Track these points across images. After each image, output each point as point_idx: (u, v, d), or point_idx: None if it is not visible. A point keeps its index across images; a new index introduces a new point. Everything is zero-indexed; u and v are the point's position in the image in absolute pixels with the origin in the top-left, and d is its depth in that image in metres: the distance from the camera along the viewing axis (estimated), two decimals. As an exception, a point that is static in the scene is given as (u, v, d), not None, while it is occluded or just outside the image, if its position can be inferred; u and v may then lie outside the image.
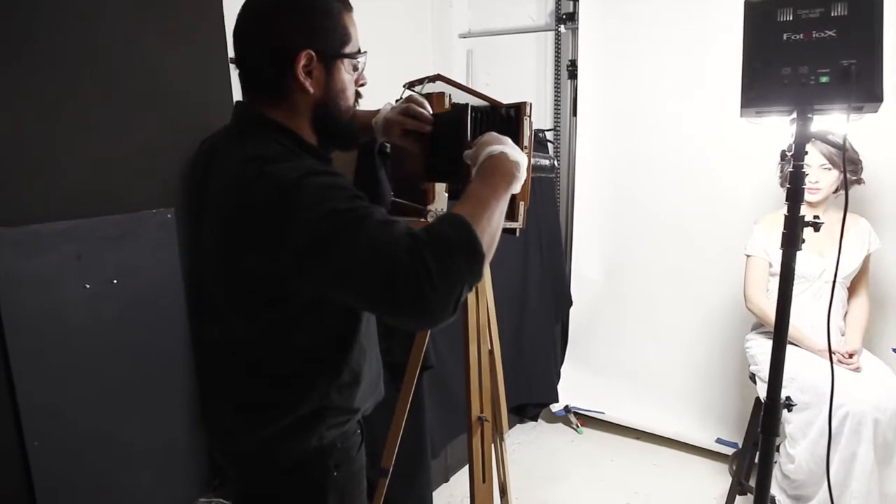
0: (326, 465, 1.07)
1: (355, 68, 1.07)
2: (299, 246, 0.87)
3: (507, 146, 1.05)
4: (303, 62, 0.98)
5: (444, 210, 1.19)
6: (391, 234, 0.84)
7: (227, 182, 0.99)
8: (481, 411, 1.28)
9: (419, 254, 0.81)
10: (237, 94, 1.22)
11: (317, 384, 1.04)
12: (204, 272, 1.10)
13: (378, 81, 1.59)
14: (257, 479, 1.10)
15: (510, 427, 3.19)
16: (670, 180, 2.90)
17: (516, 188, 1.02)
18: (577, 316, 3.29)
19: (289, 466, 1.06)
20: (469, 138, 1.08)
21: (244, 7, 1.03)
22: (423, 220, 1.19)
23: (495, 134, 1.08)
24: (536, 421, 3.28)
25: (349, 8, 1.05)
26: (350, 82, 1.07)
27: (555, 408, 3.22)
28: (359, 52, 1.06)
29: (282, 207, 0.88)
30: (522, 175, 1.04)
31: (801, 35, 1.27)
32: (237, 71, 1.06)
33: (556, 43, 3.28)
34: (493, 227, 0.93)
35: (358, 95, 1.11)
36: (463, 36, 3.56)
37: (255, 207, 0.92)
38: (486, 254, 0.89)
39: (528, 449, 3.01)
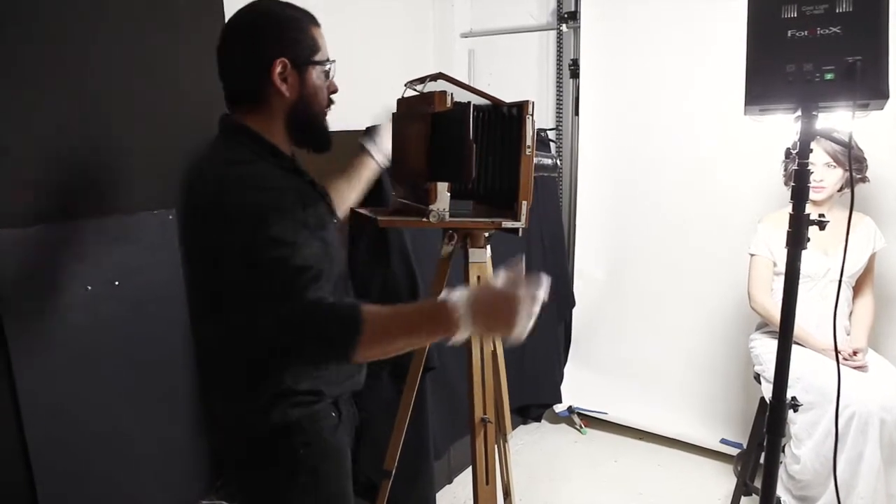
0: (291, 443, 1.15)
1: (327, 76, 1.19)
2: (228, 261, 1.03)
3: (471, 316, 0.99)
4: (278, 69, 1.11)
5: (447, 210, 1.18)
6: (294, 294, 0.98)
7: (192, 184, 1.12)
8: (484, 413, 1.27)
9: (297, 335, 0.99)
10: None
11: (269, 371, 1.13)
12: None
13: (380, 81, 1.58)
14: (235, 449, 1.20)
15: (513, 428, 3.18)
16: (673, 179, 2.89)
17: (434, 338, 1.07)
18: (580, 316, 3.28)
19: (262, 437, 1.15)
20: (471, 137, 1.07)
21: (224, 29, 1.16)
22: (424, 219, 1.17)
23: (478, 299, 1.01)
24: (540, 422, 3.26)
25: (317, 23, 1.18)
26: (322, 87, 1.18)
27: (558, 408, 3.21)
28: (327, 60, 1.19)
29: (223, 223, 1.02)
30: (452, 335, 1.01)
31: (806, 32, 1.26)
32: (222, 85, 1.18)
33: (557, 42, 3.27)
34: (388, 348, 1.02)
35: (330, 101, 1.22)
36: (465, 35, 3.55)
37: (204, 216, 1.06)
38: (363, 358, 1.01)
39: (531, 450, 3.00)
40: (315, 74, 1.16)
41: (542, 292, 1.01)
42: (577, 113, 3.19)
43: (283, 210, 1.02)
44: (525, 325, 1.00)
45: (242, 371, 1.14)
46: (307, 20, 1.16)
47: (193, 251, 1.14)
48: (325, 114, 1.21)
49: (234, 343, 1.12)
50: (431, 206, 1.17)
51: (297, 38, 1.13)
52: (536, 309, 1.01)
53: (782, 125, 1.38)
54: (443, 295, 1.03)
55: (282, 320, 0.99)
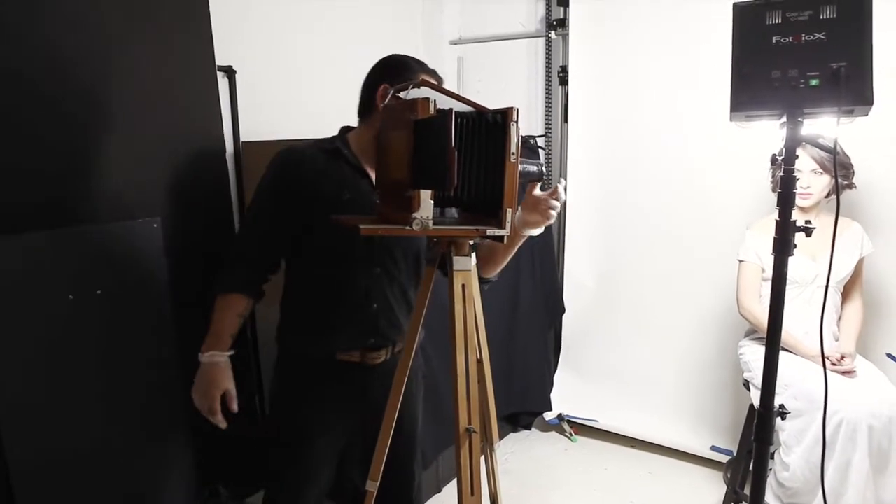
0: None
1: None
2: None
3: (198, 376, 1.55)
4: (381, 92, 1.49)
5: (430, 218, 1.16)
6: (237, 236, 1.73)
7: None
8: (469, 423, 1.26)
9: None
10: (225, 103, 1.36)
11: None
12: None
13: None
14: None
15: (503, 436, 3.16)
16: (662, 186, 2.89)
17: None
18: (569, 323, 3.27)
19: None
20: (453, 144, 1.06)
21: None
22: (408, 227, 1.16)
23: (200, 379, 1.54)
24: (530, 430, 3.25)
25: (429, 73, 1.54)
26: None
27: (548, 416, 3.19)
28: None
29: None
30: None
31: (791, 38, 1.26)
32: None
33: (546, 49, 3.27)
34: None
35: None
36: (454, 43, 3.55)
37: None
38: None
39: (521, 458, 2.98)
40: None
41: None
42: (566, 120, 3.20)
43: (272, 184, 1.56)
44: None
45: None
46: (421, 69, 1.54)
47: None
48: None
49: None
50: (414, 214, 1.15)
51: (405, 76, 1.48)
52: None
53: (771, 131, 1.38)
54: (222, 352, 1.53)
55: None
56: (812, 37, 1.24)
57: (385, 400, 1.43)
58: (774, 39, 1.27)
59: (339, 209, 1.48)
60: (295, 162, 1.53)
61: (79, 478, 1.79)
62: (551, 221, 1.44)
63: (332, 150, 1.56)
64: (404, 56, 1.58)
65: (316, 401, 1.61)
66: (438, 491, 2.63)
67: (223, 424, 1.54)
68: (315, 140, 1.60)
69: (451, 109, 1.07)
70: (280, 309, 1.66)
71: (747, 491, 2.28)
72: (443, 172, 1.05)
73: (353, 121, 1.73)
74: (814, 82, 1.24)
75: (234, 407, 1.54)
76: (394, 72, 1.51)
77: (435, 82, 1.51)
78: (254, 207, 1.59)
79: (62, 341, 1.73)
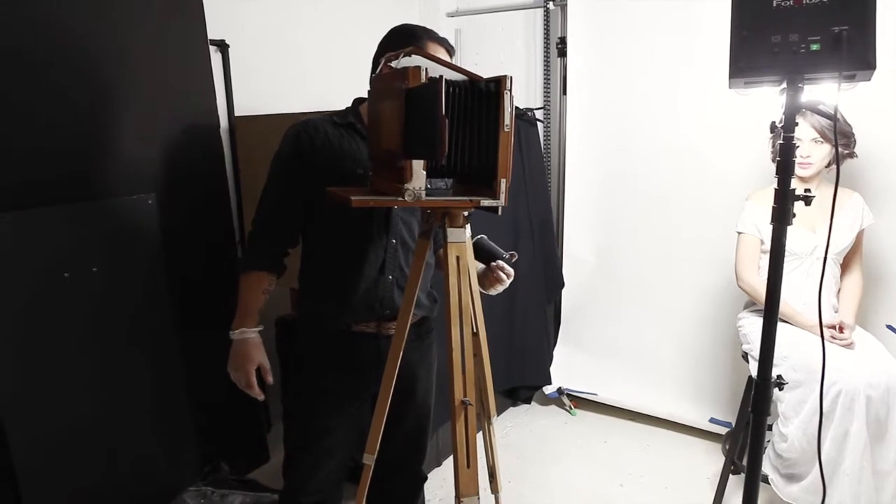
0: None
1: None
2: None
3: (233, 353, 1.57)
4: (383, 62, 1.39)
5: (423, 189, 1.14)
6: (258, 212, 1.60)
7: None
8: (464, 395, 1.25)
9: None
10: (218, 80, 1.32)
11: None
12: None
13: (365, 62, 1.58)
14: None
15: (503, 410, 3.18)
16: (662, 159, 2.86)
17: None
18: (569, 297, 3.26)
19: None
20: (444, 112, 1.04)
21: None
22: (400, 198, 1.14)
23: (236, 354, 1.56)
24: (529, 403, 3.26)
25: (438, 42, 1.51)
26: None
27: (548, 390, 3.20)
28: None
29: None
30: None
31: (792, 1, 1.22)
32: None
33: (545, 20, 3.22)
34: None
35: None
36: (451, 15, 3.50)
37: None
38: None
39: (521, 432, 3.00)
40: None
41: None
42: (564, 92, 3.15)
43: (282, 158, 1.56)
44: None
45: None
46: (427, 37, 1.50)
47: None
48: None
49: None
50: (407, 185, 1.13)
51: (410, 45, 1.40)
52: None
53: (773, 103, 1.35)
54: (251, 328, 1.55)
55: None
56: (814, 0, 1.21)
57: (402, 371, 1.43)
58: (775, 3, 1.23)
59: (354, 184, 1.46)
60: (309, 136, 1.52)
61: (77, 454, 1.79)
62: (502, 289, 1.64)
63: (345, 125, 1.55)
64: (413, 25, 1.55)
65: (333, 371, 1.62)
66: (438, 465, 2.64)
67: (261, 396, 1.59)
68: (329, 113, 1.58)
69: (440, 77, 1.05)
70: (298, 281, 1.66)
71: (745, 462, 2.29)
72: (433, 141, 1.03)
73: (348, 93, 1.71)
74: (815, 47, 1.20)
75: (270, 379, 1.58)
76: (400, 41, 1.48)
77: (445, 50, 1.49)
78: (269, 184, 1.58)
79: (58, 319, 1.73)
